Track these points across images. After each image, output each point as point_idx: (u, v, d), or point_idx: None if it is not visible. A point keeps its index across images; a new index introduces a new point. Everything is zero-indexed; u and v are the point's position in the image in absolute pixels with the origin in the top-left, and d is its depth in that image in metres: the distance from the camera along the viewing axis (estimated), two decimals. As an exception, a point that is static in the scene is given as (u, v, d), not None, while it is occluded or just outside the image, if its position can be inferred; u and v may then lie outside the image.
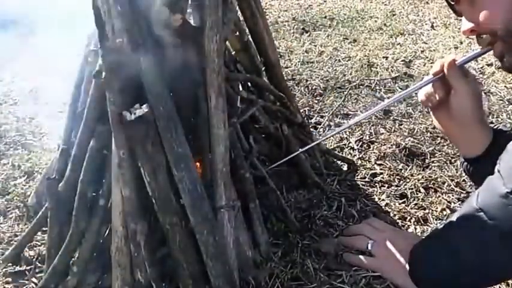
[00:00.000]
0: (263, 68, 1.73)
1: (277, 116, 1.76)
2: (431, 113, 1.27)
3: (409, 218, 1.68)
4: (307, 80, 2.76)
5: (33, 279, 1.41)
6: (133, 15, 1.17)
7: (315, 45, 3.30)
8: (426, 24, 3.70)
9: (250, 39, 1.67)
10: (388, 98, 2.57)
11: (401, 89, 2.68)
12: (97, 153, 1.29)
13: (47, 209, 1.40)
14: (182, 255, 1.22)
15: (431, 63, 2.98)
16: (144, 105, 1.17)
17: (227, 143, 1.30)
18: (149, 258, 1.23)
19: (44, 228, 1.53)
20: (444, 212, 1.70)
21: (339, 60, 3.07)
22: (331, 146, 2.10)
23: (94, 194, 1.31)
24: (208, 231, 1.20)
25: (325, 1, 4.27)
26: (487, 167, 1.16)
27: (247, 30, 1.66)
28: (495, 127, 1.26)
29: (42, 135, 2.25)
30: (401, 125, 2.27)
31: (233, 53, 1.65)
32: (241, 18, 1.65)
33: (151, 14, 1.20)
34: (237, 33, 1.59)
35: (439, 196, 1.78)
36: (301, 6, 4.12)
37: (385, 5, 4.20)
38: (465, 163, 1.25)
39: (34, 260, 1.49)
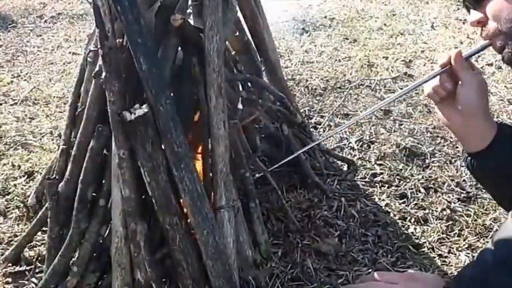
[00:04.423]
0: (263, 68, 1.73)
1: (277, 116, 1.76)
2: (436, 107, 1.29)
3: (409, 218, 1.68)
4: (307, 80, 2.76)
5: (33, 279, 1.41)
6: (133, 15, 1.16)
7: (315, 45, 3.30)
8: (426, 24, 3.70)
9: (250, 39, 1.67)
10: (389, 97, 2.57)
11: (401, 89, 2.67)
12: (97, 154, 1.29)
13: (47, 209, 1.40)
14: (182, 255, 1.22)
15: (432, 63, 2.98)
16: (144, 105, 1.17)
17: (227, 143, 1.30)
18: (149, 258, 1.23)
19: (44, 228, 1.53)
20: (444, 212, 1.70)
21: (339, 60, 3.07)
22: (331, 146, 2.10)
23: (94, 194, 1.31)
24: (209, 231, 1.19)
25: (325, 1, 4.27)
26: (490, 162, 1.17)
27: (247, 30, 1.66)
28: (499, 122, 1.27)
29: (42, 135, 2.25)
30: (402, 125, 2.27)
31: (233, 53, 1.65)
32: (241, 18, 1.65)
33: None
34: (237, 33, 1.59)
35: (439, 196, 1.78)
36: (301, 6, 4.12)
37: (385, 5, 4.20)
38: (468, 158, 1.26)
39: (34, 260, 1.49)
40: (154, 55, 1.20)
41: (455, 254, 1.53)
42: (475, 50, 1.21)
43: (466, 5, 1.16)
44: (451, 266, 1.49)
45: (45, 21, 3.86)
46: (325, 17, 3.85)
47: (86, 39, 3.33)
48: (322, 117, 2.37)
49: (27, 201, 1.71)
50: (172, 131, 1.18)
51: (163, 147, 1.19)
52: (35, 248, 1.55)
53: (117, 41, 1.22)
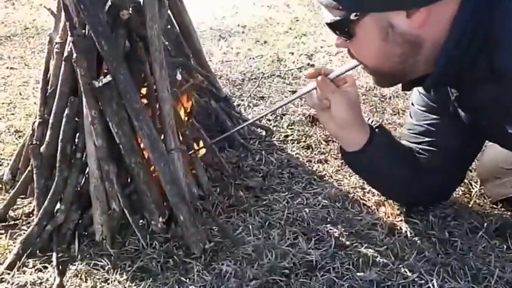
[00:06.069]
0: (191, 55, 2.19)
1: (205, 93, 2.23)
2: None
3: (313, 161, 2.19)
4: (227, 75, 3.25)
5: (24, 227, 1.75)
6: (94, 10, 1.58)
7: (232, 48, 3.83)
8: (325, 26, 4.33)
9: (179, 31, 2.12)
10: (296, 83, 3.14)
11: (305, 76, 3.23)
12: (71, 119, 1.68)
13: (29, 172, 1.75)
14: (145, 185, 1.63)
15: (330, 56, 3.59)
16: (108, 75, 1.59)
17: (171, 102, 1.74)
18: (121, 191, 1.63)
19: (22, 196, 1.88)
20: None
21: (253, 58, 3.61)
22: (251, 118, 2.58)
23: (72, 148, 1.69)
24: (165, 163, 1.62)
25: (236, 13, 4.83)
26: (364, 160, 1.42)
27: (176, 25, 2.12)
28: (373, 124, 1.44)
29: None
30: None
31: (166, 43, 2.09)
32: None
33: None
34: (169, 26, 2.04)
35: (335, 145, 2.31)
36: (216, 18, 4.65)
37: (289, 13, 4.83)
38: (345, 155, 1.49)
39: (20, 217, 1.82)
40: (111, 39, 1.62)
41: (347, 179, 2.05)
42: (344, 70, 1.27)
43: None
44: (346, 186, 2.01)
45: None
46: (238, 25, 4.40)
47: (19, 56, 3.66)
48: (242, 100, 2.86)
49: (2, 178, 2.03)
50: (130, 92, 1.61)
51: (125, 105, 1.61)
52: (17, 210, 1.88)
53: (82, 31, 1.63)
